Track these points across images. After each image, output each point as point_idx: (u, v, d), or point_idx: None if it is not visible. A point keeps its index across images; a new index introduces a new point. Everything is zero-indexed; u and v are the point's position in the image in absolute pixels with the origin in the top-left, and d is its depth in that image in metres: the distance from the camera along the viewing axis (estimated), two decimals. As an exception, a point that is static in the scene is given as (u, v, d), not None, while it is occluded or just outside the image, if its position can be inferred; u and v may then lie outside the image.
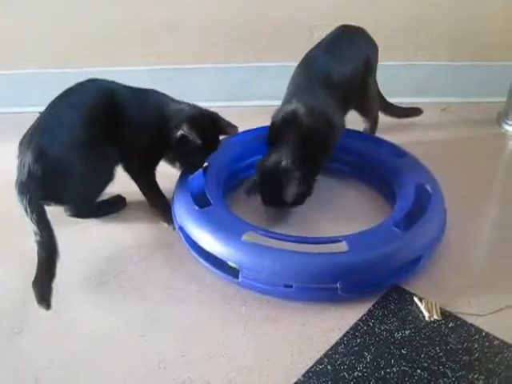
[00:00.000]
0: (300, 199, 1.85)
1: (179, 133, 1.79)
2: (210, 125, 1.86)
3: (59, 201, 1.82)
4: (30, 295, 1.51)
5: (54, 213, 1.73)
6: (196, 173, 1.91)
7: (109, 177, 1.87)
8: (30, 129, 1.76)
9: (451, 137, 2.47)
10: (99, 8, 2.55)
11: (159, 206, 1.93)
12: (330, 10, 2.52)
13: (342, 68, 2.03)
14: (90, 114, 1.78)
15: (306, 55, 2.10)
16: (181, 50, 2.62)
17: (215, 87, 2.67)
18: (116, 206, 1.98)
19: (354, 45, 2.14)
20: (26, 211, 1.62)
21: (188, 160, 1.88)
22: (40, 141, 1.71)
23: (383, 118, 2.39)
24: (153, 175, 1.94)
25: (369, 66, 2.17)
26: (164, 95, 1.95)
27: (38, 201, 1.65)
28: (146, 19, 2.55)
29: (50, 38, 2.59)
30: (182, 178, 1.90)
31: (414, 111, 2.50)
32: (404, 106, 2.53)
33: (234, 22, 2.58)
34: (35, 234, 1.59)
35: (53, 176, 1.71)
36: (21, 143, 1.75)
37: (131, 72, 2.52)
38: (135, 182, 1.92)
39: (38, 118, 1.79)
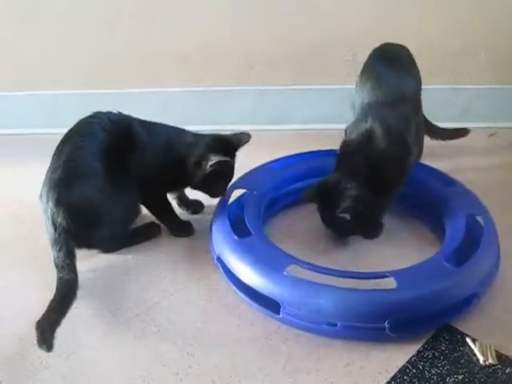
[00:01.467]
0: (364, 222, 1.79)
1: (210, 164, 1.75)
2: (227, 146, 1.83)
3: (91, 246, 1.80)
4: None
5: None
6: (235, 200, 1.85)
7: (135, 212, 1.85)
8: (47, 180, 1.72)
9: (500, 163, 2.37)
10: (137, 30, 2.53)
11: (169, 221, 1.93)
12: (371, 32, 2.46)
13: (412, 84, 1.99)
14: (105, 152, 1.74)
15: (372, 65, 2.03)
16: (218, 72, 2.57)
17: (253, 110, 2.61)
18: (149, 233, 1.92)
19: (410, 61, 2.07)
20: (59, 259, 1.63)
21: (213, 190, 1.86)
22: (62, 195, 1.68)
23: (428, 143, 2.29)
24: (167, 203, 1.94)
25: (421, 84, 2.08)
26: (173, 128, 1.91)
27: (72, 252, 1.66)
28: (183, 42, 2.53)
29: (86, 60, 2.57)
30: (221, 205, 1.83)
31: (461, 132, 2.40)
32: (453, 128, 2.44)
33: (273, 43, 2.53)
34: (59, 271, 1.59)
35: (82, 227, 1.70)
36: (41, 196, 1.72)
37: (170, 93, 2.48)
38: (149, 210, 1.92)
39: (51, 167, 1.73)
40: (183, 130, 1.90)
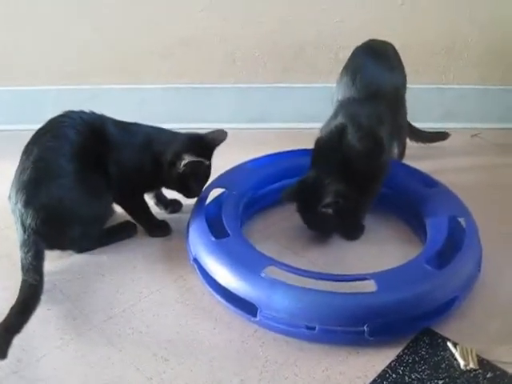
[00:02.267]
0: (346, 220, 1.77)
1: (183, 164, 1.71)
2: (203, 145, 1.79)
3: (63, 248, 1.76)
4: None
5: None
6: (213, 200, 1.81)
7: (108, 213, 1.81)
8: (15, 181, 1.67)
9: (482, 164, 2.35)
10: (115, 23, 2.48)
11: (145, 221, 1.89)
12: (355, 30, 2.43)
13: (391, 80, 1.95)
14: (77, 153, 1.69)
15: (351, 61, 2.00)
16: (199, 68, 2.52)
17: (234, 108, 2.57)
18: (125, 232, 1.87)
19: (395, 57, 2.04)
20: (26, 261, 1.57)
21: (188, 190, 1.82)
22: (31, 197, 1.63)
23: (409, 144, 2.27)
24: (143, 202, 1.89)
25: (405, 82, 2.05)
26: (149, 127, 1.85)
27: (40, 254, 1.60)
28: (163, 36, 2.47)
29: (62, 54, 2.51)
30: (198, 205, 1.79)
31: (441, 136, 2.39)
32: (431, 130, 2.42)
33: (256, 40, 2.49)
34: (24, 273, 1.55)
35: (53, 229, 1.65)
36: (9, 197, 1.67)
37: (148, 90, 2.43)
38: (124, 209, 1.87)
39: (19, 168, 1.68)
40: (160, 129, 1.85)
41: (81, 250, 1.79)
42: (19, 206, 1.62)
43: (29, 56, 2.51)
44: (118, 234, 1.85)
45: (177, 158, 1.73)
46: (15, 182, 1.66)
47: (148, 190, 1.90)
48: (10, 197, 1.67)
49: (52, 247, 1.69)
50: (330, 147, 1.78)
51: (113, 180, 1.74)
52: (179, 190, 1.83)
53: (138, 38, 2.46)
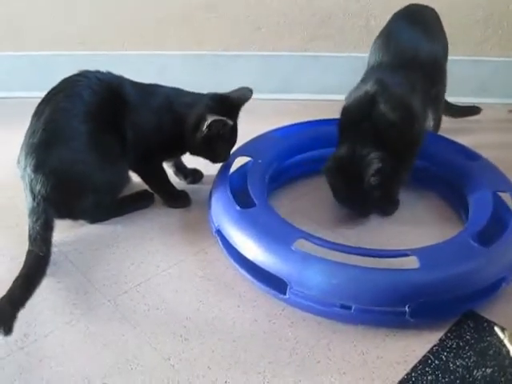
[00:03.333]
0: (386, 193, 1.63)
1: (206, 124, 1.58)
2: (227, 105, 1.67)
3: (75, 217, 1.65)
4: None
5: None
6: (237, 169, 1.69)
7: (123, 180, 1.69)
8: (24, 145, 1.55)
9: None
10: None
11: (162, 191, 1.78)
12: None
13: (430, 48, 1.80)
14: (91, 114, 1.57)
15: (388, 25, 1.87)
16: (221, 34, 2.39)
17: (258, 77, 2.43)
18: (141, 202, 1.75)
19: (436, 24, 1.90)
20: (34, 230, 1.46)
21: (214, 154, 1.69)
22: (41, 161, 1.51)
23: (445, 119, 2.13)
24: (161, 170, 1.76)
25: (447, 51, 1.90)
26: (170, 88, 1.73)
27: (49, 224, 1.49)
28: (184, 1, 2.33)
29: (80, 19, 2.39)
30: (222, 174, 1.67)
31: (473, 110, 2.26)
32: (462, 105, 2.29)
33: (282, 6, 2.34)
34: (31, 243, 1.43)
35: (64, 196, 1.54)
36: (18, 162, 1.56)
37: (167, 57, 2.30)
38: (141, 178, 1.75)
39: (29, 130, 1.56)
40: (181, 90, 1.73)
41: (93, 220, 1.67)
42: (28, 170, 1.51)
43: (46, 21, 2.40)
44: (133, 204, 1.74)
45: (200, 120, 1.61)
46: (24, 146, 1.54)
47: (168, 156, 1.78)
48: (18, 161, 1.56)
49: (63, 216, 1.57)
50: (359, 116, 1.64)
51: (130, 145, 1.63)
52: (205, 155, 1.71)
53: (159, 3, 2.33)
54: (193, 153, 1.72)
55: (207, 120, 1.58)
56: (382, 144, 1.58)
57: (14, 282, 1.32)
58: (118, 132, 1.61)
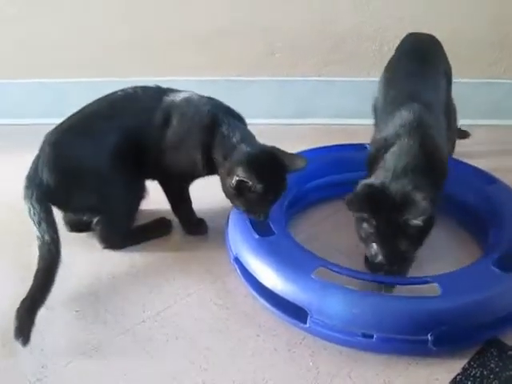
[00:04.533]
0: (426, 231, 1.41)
1: (234, 179, 1.51)
2: (270, 163, 1.55)
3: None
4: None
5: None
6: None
7: (139, 194, 1.68)
8: (59, 125, 1.62)
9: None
10: (147, 12, 2.37)
11: (184, 216, 1.75)
12: (399, 20, 2.29)
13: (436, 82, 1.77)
14: (126, 137, 1.60)
15: (393, 66, 1.84)
16: (236, 60, 2.39)
17: (272, 102, 2.43)
18: (159, 230, 1.74)
19: (441, 53, 1.88)
20: (31, 211, 1.48)
21: (251, 208, 1.56)
22: (62, 141, 1.58)
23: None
24: (188, 194, 1.73)
25: (451, 77, 1.90)
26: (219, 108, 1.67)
27: (45, 203, 1.51)
28: (197, 26, 2.36)
29: (94, 47, 2.40)
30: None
31: (461, 134, 2.18)
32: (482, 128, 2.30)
33: (296, 31, 2.35)
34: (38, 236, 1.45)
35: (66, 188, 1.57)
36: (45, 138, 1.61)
37: (183, 82, 2.31)
38: (165, 193, 1.72)
39: (73, 115, 1.63)
40: (227, 118, 1.64)
41: (108, 242, 1.67)
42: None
43: (58, 48, 2.41)
44: (151, 232, 1.73)
45: (232, 170, 1.53)
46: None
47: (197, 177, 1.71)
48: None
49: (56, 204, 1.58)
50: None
51: (160, 164, 1.63)
52: (239, 204, 1.58)
53: (172, 28, 2.36)
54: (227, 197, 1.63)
55: (237, 176, 1.50)
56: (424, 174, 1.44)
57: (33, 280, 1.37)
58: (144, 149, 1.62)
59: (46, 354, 1.32)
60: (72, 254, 1.52)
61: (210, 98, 1.68)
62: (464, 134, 2.21)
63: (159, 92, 1.68)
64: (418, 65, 1.76)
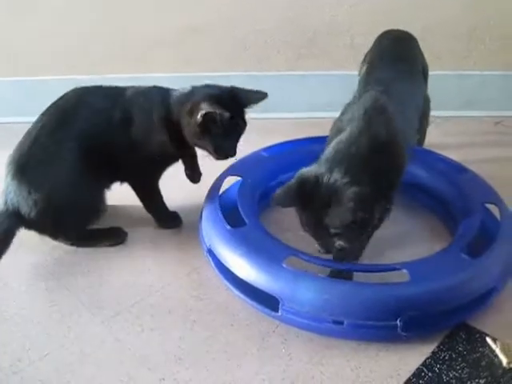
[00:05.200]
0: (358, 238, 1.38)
1: (200, 114, 1.50)
2: (231, 97, 1.59)
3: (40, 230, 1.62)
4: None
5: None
6: (227, 188, 1.68)
7: (99, 206, 1.66)
8: (17, 150, 1.58)
9: (507, 153, 2.21)
10: (122, 10, 2.37)
11: (157, 211, 1.76)
12: (372, 14, 2.30)
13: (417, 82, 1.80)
14: (84, 140, 1.58)
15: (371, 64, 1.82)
16: (209, 56, 2.41)
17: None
18: (113, 238, 1.71)
19: (417, 50, 1.90)
20: None
21: (219, 145, 1.56)
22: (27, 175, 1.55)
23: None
24: (158, 188, 1.73)
25: (427, 73, 1.92)
26: (162, 88, 1.69)
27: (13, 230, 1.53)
28: (171, 23, 2.36)
29: (70, 44, 2.40)
30: (212, 194, 1.67)
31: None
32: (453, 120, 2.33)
33: (268, 26, 2.36)
34: None
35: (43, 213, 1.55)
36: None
37: (156, 79, 2.31)
38: (136, 191, 1.72)
39: (25, 139, 1.60)
40: (178, 89, 1.67)
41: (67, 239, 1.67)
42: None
43: (35, 46, 2.41)
44: (103, 239, 1.70)
45: (195, 108, 1.53)
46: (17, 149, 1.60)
47: (166, 162, 1.70)
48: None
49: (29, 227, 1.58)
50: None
51: (125, 158, 1.62)
52: (207, 149, 1.58)
53: (146, 25, 2.36)
54: (195, 144, 1.63)
55: (201, 110, 1.50)
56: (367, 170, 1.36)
57: None
58: (107, 148, 1.60)
59: (23, 347, 1.33)
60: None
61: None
62: None
63: (112, 90, 1.67)
64: (394, 59, 1.77)
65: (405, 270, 1.33)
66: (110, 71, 2.39)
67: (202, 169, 1.75)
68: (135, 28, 2.39)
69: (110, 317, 1.42)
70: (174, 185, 1.74)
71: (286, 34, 2.39)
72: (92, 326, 1.40)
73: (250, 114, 2.29)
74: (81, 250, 1.66)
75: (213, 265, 1.51)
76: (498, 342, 1.31)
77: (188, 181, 1.74)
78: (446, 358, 1.30)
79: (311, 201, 1.33)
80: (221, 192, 1.68)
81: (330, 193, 1.30)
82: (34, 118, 1.63)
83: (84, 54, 2.43)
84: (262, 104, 2.36)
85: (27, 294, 1.49)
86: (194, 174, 1.75)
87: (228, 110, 1.50)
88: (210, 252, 1.52)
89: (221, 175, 1.73)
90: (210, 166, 1.67)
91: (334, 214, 1.28)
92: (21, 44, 2.42)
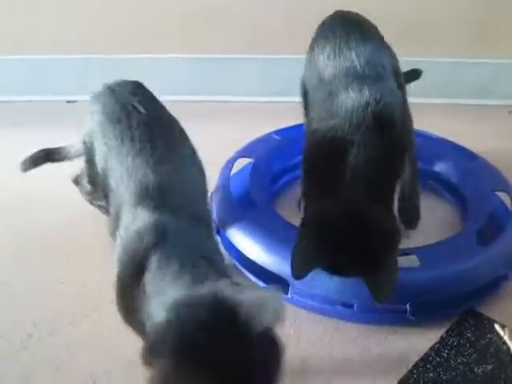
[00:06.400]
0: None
1: None
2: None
3: None
4: None
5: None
6: (239, 170, 1.69)
7: None
8: None
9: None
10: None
11: None
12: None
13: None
14: None
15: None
16: (221, 39, 2.39)
17: (259, 80, 2.43)
18: None
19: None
20: None
21: None
22: None
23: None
24: None
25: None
26: None
27: None
28: (184, 5, 2.33)
29: (79, 23, 2.38)
30: (222, 176, 1.67)
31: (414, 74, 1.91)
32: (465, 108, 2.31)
33: (280, 9, 2.35)
34: None
35: None
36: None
37: (168, 60, 2.31)
38: None
39: None
40: None
41: None
42: None
43: (44, 24, 2.38)
44: None
45: None
46: None
47: None
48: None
49: None
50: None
51: None
52: None
53: (157, 5, 2.34)
54: None
55: None
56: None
57: None
58: None
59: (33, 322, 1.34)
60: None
61: None
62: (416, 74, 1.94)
63: None
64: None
65: (415, 256, 1.34)
66: (120, 52, 2.37)
67: (212, 149, 1.73)
68: (146, 8, 2.36)
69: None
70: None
71: (300, 17, 2.37)
72: (103, 302, 1.39)
73: (265, 97, 2.31)
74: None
75: (222, 246, 1.52)
76: (506, 329, 1.31)
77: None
78: (455, 343, 1.30)
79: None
80: (232, 173, 1.68)
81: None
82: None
83: (94, 35, 2.39)
84: (276, 87, 2.37)
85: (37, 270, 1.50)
86: None
87: None
88: (220, 233, 1.52)
89: (232, 157, 1.72)
90: (222, 147, 1.67)
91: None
92: (27, 24, 2.40)
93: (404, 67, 1.69)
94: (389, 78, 1.45)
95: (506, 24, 2.37)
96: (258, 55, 2.42)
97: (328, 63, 1.49)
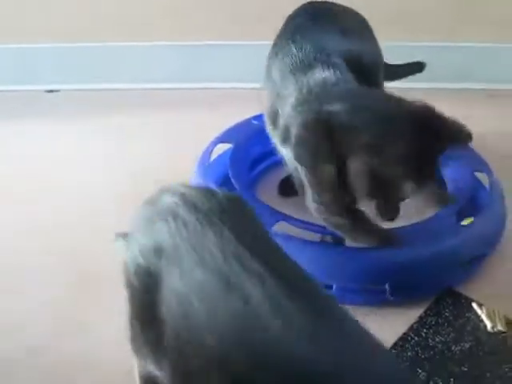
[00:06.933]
0: None
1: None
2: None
3: None
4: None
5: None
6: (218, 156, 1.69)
7: None
8: None
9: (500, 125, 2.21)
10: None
11: None
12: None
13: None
14: None
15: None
16: (207, 25, 2.37)
17: (241, 66, 2.42)
18: None
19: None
20: None
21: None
22: None
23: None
24: None
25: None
26: None
27: None
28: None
29: (64, 10, 2.35)
30: (201, 162, 1.67)
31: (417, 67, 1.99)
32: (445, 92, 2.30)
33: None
34: None
35: None
36: None
37: (155, 47, 2.28)
38: None
39: None
40: None
41: None
42: None
43: (28, 12, 2.36)
44: None
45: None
46: None
47: None
48: None
49: None
50: None
51: None
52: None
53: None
54: None
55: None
56: None
57: None
58: None
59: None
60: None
61: None
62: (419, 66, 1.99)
63: None
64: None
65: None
66: (106, 39, 2.34)
67: (191, 135, 1.73)
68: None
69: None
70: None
71: (285, 3, 2.36)
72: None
73: (246, 84, 2.30)
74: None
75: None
76: (483, 308, 1.33)
77: (176, 147, 1.73)
78: (433, 322, 1.32)
79: None
80: (212, 159, 1.68)
81: None
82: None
83: (79, 22, 2.35)
84: (258, 73, 2.36)
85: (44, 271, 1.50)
86: None
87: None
88: (201, 218, 1.52)
89: (211, 142, 1.72)
90: (200, 132, 1.66)
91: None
92: (8, 12, 2.37)
93: (384, 53, 1.70)
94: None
95: (485, 8, 2.38)
96: (238, 41, 2.41)
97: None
